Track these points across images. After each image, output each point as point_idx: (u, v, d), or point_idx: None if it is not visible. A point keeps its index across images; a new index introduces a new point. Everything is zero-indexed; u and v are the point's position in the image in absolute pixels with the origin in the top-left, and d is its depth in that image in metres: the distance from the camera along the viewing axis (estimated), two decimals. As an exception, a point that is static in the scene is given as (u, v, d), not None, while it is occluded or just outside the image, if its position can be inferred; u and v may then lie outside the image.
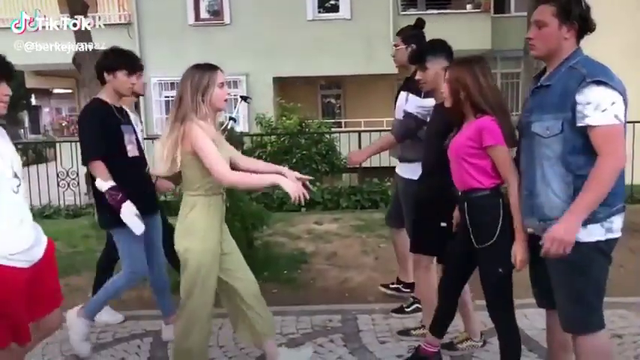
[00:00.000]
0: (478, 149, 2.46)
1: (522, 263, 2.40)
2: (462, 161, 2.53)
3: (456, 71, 2.53)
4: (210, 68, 2.61)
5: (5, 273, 2.15)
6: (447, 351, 3.08)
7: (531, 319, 3.37)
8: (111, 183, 2.97)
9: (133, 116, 3.47)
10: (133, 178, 3.11)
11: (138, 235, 2.99)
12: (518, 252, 2.40)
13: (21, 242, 2.21)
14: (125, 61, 3.15)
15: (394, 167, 3.73)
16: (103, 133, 3.02)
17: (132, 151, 3.16)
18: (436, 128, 3.05)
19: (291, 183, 2.52)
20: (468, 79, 2.48)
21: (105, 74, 3.12)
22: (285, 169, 2.77)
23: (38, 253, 2.30)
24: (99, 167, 2.99)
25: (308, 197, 2.51)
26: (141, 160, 3.26)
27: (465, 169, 2.52)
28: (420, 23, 3.68)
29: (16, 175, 2.24)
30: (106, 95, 3.15)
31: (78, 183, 8.41)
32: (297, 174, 2.72)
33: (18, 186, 2.24)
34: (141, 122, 3.84)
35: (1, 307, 2.15)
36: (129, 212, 2.95)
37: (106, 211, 3.04)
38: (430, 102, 3.17)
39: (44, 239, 2.39)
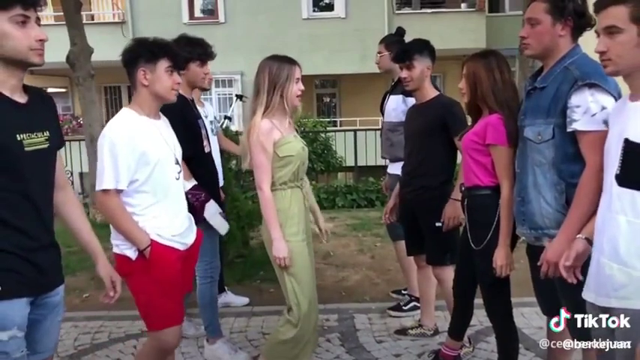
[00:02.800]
0: (482, 146, 2.44)
1: (502, 269, 2.37)
2: (467, 156, 2.52)
3: (473, 65, 2.49)
4: (289, 61, 2.52)
5: (168, 253, 2.22)
6: (397, 335, 3.33)
7: (528, 317, 3.37)
8: (193, 182, 2.84)
9: (206, 107, 3.39)
10: (210, 176, 3.03)
11: (223, 234, 2.88)
12: (499, 258, 2.37)
13: (179, 226, 2.29)
14: (198, 51, 3.00)
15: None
16: (185, 128, 2.83)
17: (207, 146, 3.06)
18: (416, 129, 3.05)
19: (280, 247, 2.44)
20: (482, 74, 2.44)
21: None
22: (319, 218, 2.81)
23: (191, 238, 2.38)
24: (182, 167, 2.85)
25: (288, 264, 2.44)
26: (212, 157, 3.12)
27: (469, 164, 2.51)
28: (400, 32, 3.74)
29: (177, 163, 2.32)
30: (182, 89, 3.00)
31: (72, 182, 8.37)
32: (326, 229, 2.80)
33: (179, 172, 2.33)
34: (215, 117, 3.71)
35: (169, 285, 2.22)
36: (214, 211, 2.83)
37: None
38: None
39: (194, 228, 2.44)
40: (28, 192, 1.66)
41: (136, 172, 2.16)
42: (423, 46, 3.03)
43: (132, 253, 2.19)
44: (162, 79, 2.22)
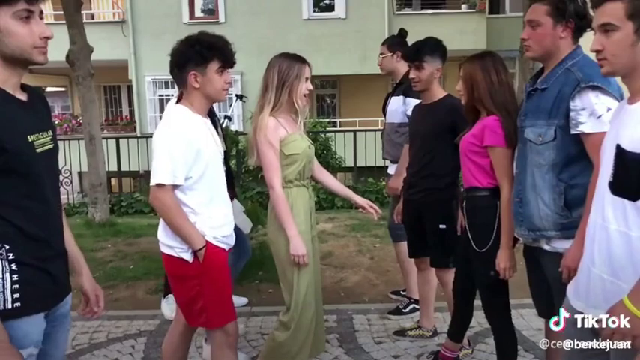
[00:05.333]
0: (480, 148, 2.43)
1: (506, 271, 2.37)
2: (466, 158, 2.51)
3: (470, 67, 2.48)
4: (300, 60, 2.51)
5: (220, 254, 2.24)
6: (396, 336, 3.34)
7: (527, 319, 3.37)
8: None
9: None
10: (226, 176, 3.03)
11: (248, 232, 2.82)
12: (502, 260, 2.37)
13: (229, 226, 2.30)
14: None
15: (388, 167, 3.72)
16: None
17: (222, 145, 3.07)
18: (422, 129, 3.01)
19: (298, 245, 2.42)
20: (479, 76, 2.43)
21: None
22: (355, 196, 2.79)
23: (233, 239, 2.37)
24: None
25: (306, 262, 2.43)
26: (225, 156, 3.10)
27: (468, 166, 2.51)
28: (403, 33, 3.72)
29: (223, 162, 2.35)
30: None
31: (71, 182, 8.36)
32: (368, 202, 2.73)
33: (223, 172, 2.35)
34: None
35: (226, 284, 2.27)
36: (238, 210, 2.77)
37: None
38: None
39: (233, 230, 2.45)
40: (45, 196, 1.57)
41: (191, 168, 2.14)
42: (434, 48, 2.98)
43: (189, 256, 2.16)
44: (213, 80, 2.20)
